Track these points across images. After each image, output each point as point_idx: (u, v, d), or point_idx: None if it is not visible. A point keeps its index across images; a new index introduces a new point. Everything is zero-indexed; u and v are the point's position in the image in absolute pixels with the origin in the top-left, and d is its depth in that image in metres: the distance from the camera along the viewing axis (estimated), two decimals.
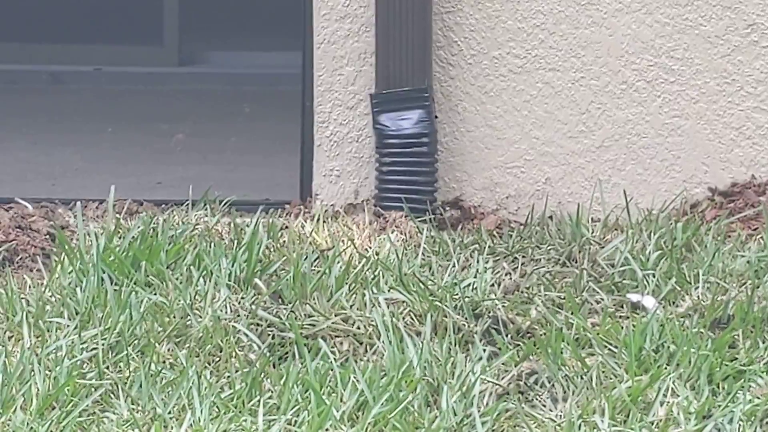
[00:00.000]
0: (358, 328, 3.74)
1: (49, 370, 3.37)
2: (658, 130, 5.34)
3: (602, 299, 4.10)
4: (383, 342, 3.58)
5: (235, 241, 4.66)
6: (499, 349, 3.62)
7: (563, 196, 5.35)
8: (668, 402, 3.15)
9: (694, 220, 5.04)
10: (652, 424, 3.07)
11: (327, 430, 2.98)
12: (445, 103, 5.32)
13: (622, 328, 3.79)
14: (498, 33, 5.34)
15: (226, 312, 3.83)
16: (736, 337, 3.65)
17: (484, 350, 3.56)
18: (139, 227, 4.60)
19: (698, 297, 4.08)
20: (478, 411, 3.09)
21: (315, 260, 4.42)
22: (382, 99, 5.16)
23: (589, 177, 5.32)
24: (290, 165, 5.63)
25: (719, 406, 3.16)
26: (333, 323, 3.77)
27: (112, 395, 3.18)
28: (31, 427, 3.01)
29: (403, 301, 3.92)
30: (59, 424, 3.00)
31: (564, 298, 4.08)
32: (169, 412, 3.12)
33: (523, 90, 5.33)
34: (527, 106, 5.34)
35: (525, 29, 5.34)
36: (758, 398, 3.16)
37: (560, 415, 3.15)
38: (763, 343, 3.58)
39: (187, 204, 5.03)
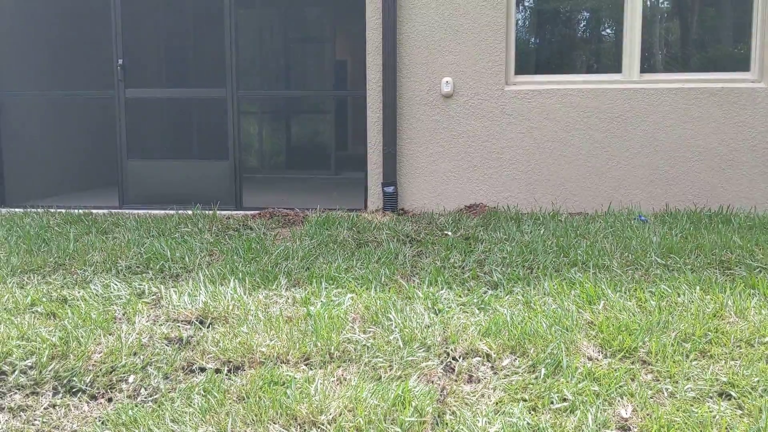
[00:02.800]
0: (379, 240, 5.12)
1: (300, 252, 4.80)
2: (457, 185, 6.57)
3: (437, 232, 5.42)
4: (385, 244, 5.01)
5: (349, 218, 5.88)
6: (413, 245, 5.03)
7: (430, 206, 6.48)
8: (460, 258, 4.62)
9: (461, 214, 6.09)
10: (464, 268, 4.62)
11: (369, 265, 4.42)
12: (403, 184, 6.46)
13: (443, 240, 5.11)
14: (426, 157, 6.62)
15: (345, 236, 5.20)
16: (473, 243, 5.02)
17: (411, 247, 4.99)
18: (324, 215, 5.89)
19: (462, 231, 5.38)
20: (408, 261, 4.56)
21: (368, 223, 5.63)
22: (384, 183, 6.38)
23: (437, 199, 6.48)
24: (362, 200, 6.65)
25: (474, 252, 4.69)
26: (373, 238, 5.16)
27: (320, 257, 4.63)
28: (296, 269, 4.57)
29: (389, 233, 5.31)
30: (302, 261, 4.56)
31: (428, 233, 5.39)
32: (331, 263, 4.61)
33: (430, 179, 6.52)
34: (427, 185, 6.56)
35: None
36: (482, 252, 4.65)
37: (430, 262, 4.58)
38: (482, 244, 4.93)
39: (333, 209, 6.25)
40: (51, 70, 7.87)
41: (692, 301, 3.60)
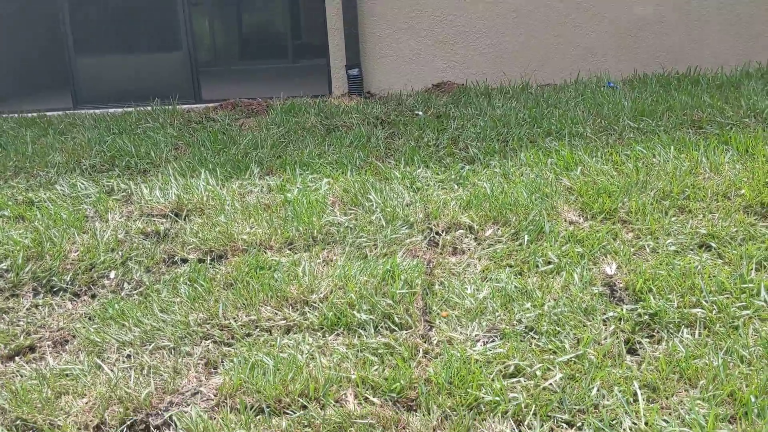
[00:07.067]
0: (348, 125, 5.07)
1: (269, 140, 4.68)
2: (423, 64, 6.74)
3: (407, 112, 5.38)
4: (356, 127, 4.96)
5: (316, 104, 5.75)
6: (384, 127, 4.98)
7: (396, 87, 6.40)
8: (434, 137, 4.67)
9: (429, 93, 6.00)
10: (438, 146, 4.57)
11: (342, 150, 4.34)
12: (368, 65, 6.38)
13: (414, 119, 5.09)
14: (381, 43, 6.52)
15: (313, 122, 5.13)
16: (445, 121, 4.98)
17: (382, 129, 4.93)
18: (289, 102, 5.79)
19: (432, 110, 5.30)
20: (381, 143, 4.49)
21: (335, 108, 5.55)
22: (347, 65, 6.26)
23: (403, 80, 6.43)
24: (326, 85, 6.51)
25: (447, 129, 4.74)
26: (342, 123, 5.10)
27: (290, 144, 4.57)
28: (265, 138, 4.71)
29: (359, 116, 5.24)
30: (272, 149, 4.53)
31: (398, 114, 5.33)
32: (302, 149, 4.52)
33: (395, 58, 6.48)
34: (392, 65, 6.51)
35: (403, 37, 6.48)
36: (455, 129, 4.70)
37: (403, 142, 4.53)
38: (454, 121, 4.86)
39: (297, 96, 6.13)
40: None
41: (668, 161, 3.64)
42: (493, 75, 6.31)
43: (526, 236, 2.94)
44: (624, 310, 2.35)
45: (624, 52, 6.22)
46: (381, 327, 2.35)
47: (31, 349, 2.44)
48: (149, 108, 5.94)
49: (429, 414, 1.88)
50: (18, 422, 1.98)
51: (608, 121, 4.55)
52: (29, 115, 6.11)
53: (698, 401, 1.85)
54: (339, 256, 2.89)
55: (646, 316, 2.31)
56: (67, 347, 2.42)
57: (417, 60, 6.34)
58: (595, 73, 6.22)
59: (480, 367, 2.04)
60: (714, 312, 2.28)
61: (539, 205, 3.19)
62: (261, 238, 3.08)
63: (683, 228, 2.92)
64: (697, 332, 2.20)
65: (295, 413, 1.91)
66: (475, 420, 1.85)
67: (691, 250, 2.76)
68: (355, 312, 2.40)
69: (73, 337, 2.47)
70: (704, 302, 2.34)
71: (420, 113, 5.29)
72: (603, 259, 2.73)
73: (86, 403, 2.02)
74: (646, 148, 3.87)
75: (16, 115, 6.14)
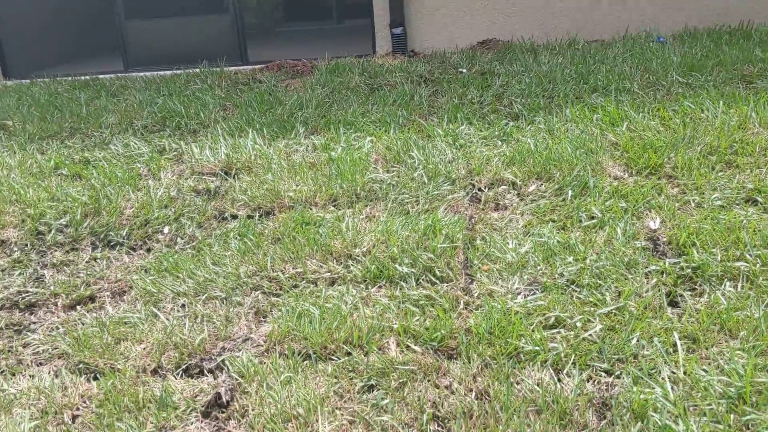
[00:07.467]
0: (392, 83, 5.00)
1: (314, 100, 4.65)
2: (468, 22, 6.60)
3: (450, 70, 5.20)
4: (399, 86, 4.94)
5: (359, 63, 5.74)
6: (427, 86, 4.96)
7: (440, 45, 6.32)
8: (478, 94, 4.66)
9: (474, 51, 5.98)
10: (476, 101, 4.41)
11: (385, 108, 4.35)
12: (412, 24, 6.32)
13: (458, 77, 5.04)
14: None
15: (357, 82, 5.11)
16: (489, 78, 4.91)
17: (425, 87, 4.90)
18: (333, 62, 5.79)
19: (477, 68, 5.25)
20: (425, 101, 4.47)
21: (379, 67, 5.51)
22: (391, 24, 6.18)
23: (448, 38, 6.32)
24: (369, 45, 6.48)
25: (492, 86, 4.76)
26: (386, 81, 5.09)
27: (335, 104, 4.59)
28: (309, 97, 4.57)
29: (402, 75, 5.23)
30: (317, 109, 4.84)
31: (441, 72, 5.28)
32: (346, 109, 4.58)
33: (439, 16, 6.42)
34: (437, 23, 6.47)
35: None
36: (499, 86, 4.65)
37: (447, 100, 4.50)
38: (499, 78, 4.79)
39: (341, 56, 6.09)
40: None
41: (716, 116, 3.56)
42: (540, 31, 6.19)
43: (569, 191, 2.92)
44: (666, 263, 2.35)
45: (673, 4, 5.98)
46: (422, 280, 2.39)
47: (91, 299, 2.55)
48: (197, 70, 6.03)
49: (469, 362, 1.92)
50: (81, 365, 2.09)
51: (656, 77, 4.47)
52: (82, 77, 6.27)
53: (738, 351, 1.86)
54: (381, 212, 2.94)
55: (689, 270, 2.30)
56: (125, 297, 2.52)
57: (462, 17, 6.24)
58: (645, 29, 6.03)
59: (520, 318, 2.07)
60: (758, 265, 2.26)
61: (584, 160, 3.17)
62: (306, 195, 3.14)
63: (729, 183, 2.88)
64: (739, 285, 2.18)
65: (339, 359, 1.98)
66: (514, 368, 1.88)
67: (737, 204, 2.72)
68: (397, 265, 2.45)
69: (131, 288, 2.57)
70: (748, 256, 2.31)
71: (464, 71, 5.23)
72: (647, 214, 2.72)
73: (144, 349, 2.13)
74: (694, 103, 3.79)
75: (70, 78, 6.29)
